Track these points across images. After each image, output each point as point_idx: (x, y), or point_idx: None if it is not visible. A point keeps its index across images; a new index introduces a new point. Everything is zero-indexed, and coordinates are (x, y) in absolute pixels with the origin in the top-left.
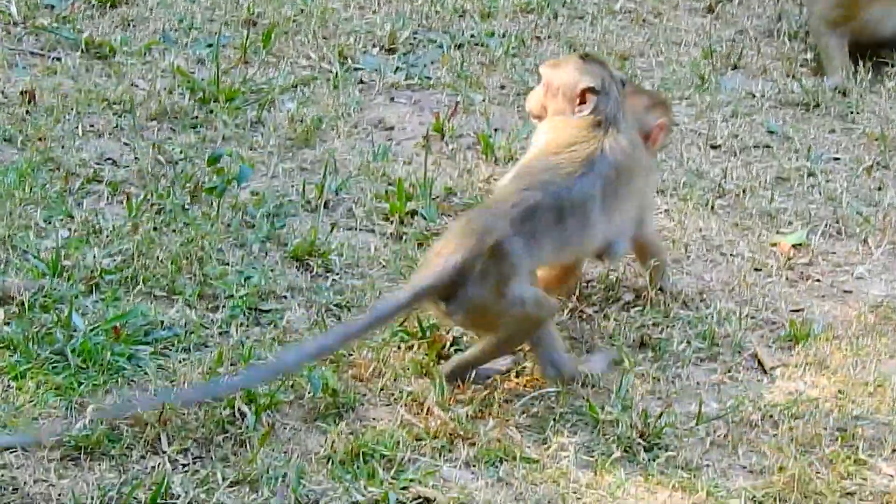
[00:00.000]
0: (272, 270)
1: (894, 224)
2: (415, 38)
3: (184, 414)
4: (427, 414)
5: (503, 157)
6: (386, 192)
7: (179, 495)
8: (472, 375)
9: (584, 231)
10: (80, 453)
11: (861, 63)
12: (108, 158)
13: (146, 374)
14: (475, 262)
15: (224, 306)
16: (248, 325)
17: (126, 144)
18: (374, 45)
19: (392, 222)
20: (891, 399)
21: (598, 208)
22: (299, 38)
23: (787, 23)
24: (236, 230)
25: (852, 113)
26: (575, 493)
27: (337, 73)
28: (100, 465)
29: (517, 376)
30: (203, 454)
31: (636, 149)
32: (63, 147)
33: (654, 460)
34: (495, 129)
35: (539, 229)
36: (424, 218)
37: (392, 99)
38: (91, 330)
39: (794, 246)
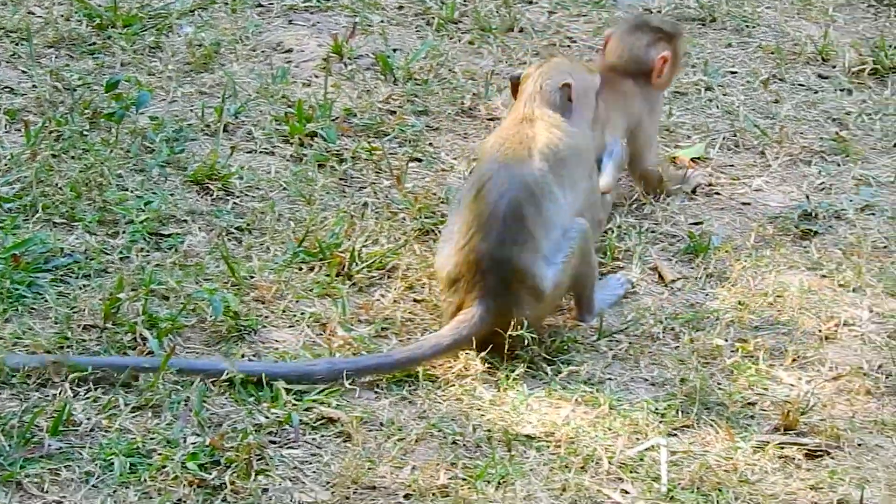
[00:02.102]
0: (172, 195)
1: (791, 136)
2: None
3: (85, 340)
4: (330, 334)
5: (402, 76)
6: (285, 114)
7: (81, 422)
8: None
9: None
10: None
11: None
12: (6, 86)
13: (46, 301)
14: None
15: (124, 232)
16: (148, 250)
17: (23, 72)
18: None
19: (292, 144)
20: (790, 309)
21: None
22: None
23: None
24: (136, 155)
25: (748, 27)
26: (479, 409)
27: None
28: None
29: (419, 300)
30: (105, 380)
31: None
32: None
33: (556, 375)
34: (394, 50)
35: None
36: (324, 139)
37: (290, 21)
38: None
39: (692, 160)
